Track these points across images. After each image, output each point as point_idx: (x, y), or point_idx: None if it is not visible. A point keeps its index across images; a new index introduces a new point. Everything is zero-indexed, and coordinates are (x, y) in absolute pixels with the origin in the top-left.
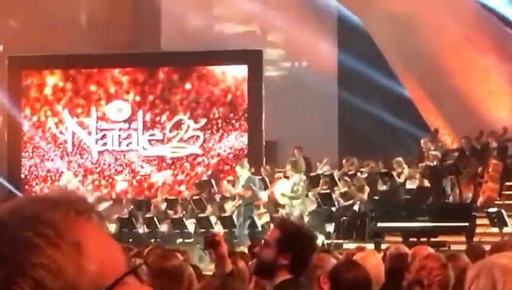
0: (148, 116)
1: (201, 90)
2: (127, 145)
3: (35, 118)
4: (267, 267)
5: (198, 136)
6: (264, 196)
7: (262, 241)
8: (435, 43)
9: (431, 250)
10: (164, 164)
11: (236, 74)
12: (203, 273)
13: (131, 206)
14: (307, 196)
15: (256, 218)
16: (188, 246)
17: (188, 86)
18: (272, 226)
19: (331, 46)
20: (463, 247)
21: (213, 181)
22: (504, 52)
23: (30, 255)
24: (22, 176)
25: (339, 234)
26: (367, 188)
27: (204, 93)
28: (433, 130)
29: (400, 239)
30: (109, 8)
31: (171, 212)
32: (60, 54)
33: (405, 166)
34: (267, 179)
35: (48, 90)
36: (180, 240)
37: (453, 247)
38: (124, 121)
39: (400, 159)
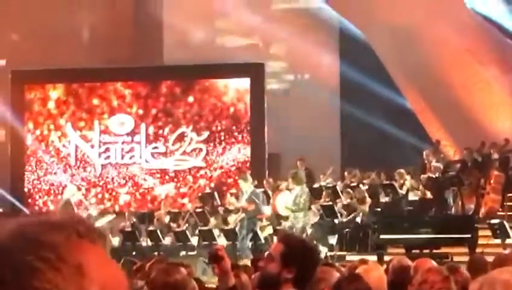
0: (151, 130)
1: (203, 103)
2: (130, 159)
3: (38, 132)
4: (272, 281)
5: (201, 149)
6: (267, 210)
7: (266, 255)
8: (436, 55)
9: (433, 263)
10: (167, 177)
11: (238, 86)
12: (206, 286)
13: (135, 219)
14: (309, 208)
15: (259, 230)
16: (191, 259)
17: (190, 99)
18: (274, 238)
19: (333, 58)
20: (465, 258)
21: (216, 194)
22: (505, 63)
23: (32, 279)
24: (25, 189)
25: (341, 246)
26: (368, 200)
27: (207, 106)
28: (434, 141)
29: (402, 251)
30: (111, 22)
31: (174, 225)
32: (62, 68)
33: (407, 177)
34: (269, 192)
35: (50, 104)
36: (183, 253)
37: (456, 258)
38: (127, 134)
39: (402, 170)
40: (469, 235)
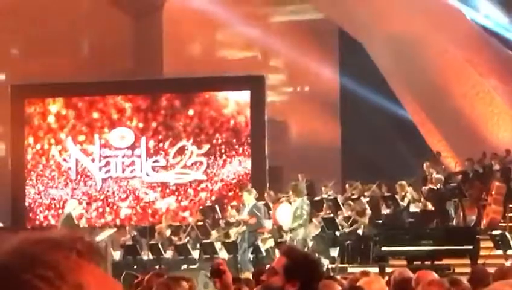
0: (151, 143)
1: (204, 116)
2: (131, 172)
3: (38, 146)
4: None
5: (201, 162)
6: (268, 224)
7: (269, 268)
8: (436, 66)
9: (434, 275)
10: (168, 190)
11: (238, 99)
12: None
13: (136, 233)
14: (310, 220)
15: (260, 243)
16: (192, 272)
17: (190, 112)
18: (276, 251)
19: (332, 70)
20: (467, 270)
21: (217, 207)
22: (506, 74)
23: None
24: (26, 203)
25: (343, 258)
26: (368, 212)
27: (207, 119)
28: (435, 153)
29: (404, 263)
30: (111, 35)
31: (175, 238)
32: (62, 82)
33: (408, 189)
34: (271, 204)
35: (51, 118)
36: (184, 266)
37: (458, 270)
38: (127, 148)
39: (403, 182)
40: (471, 247)
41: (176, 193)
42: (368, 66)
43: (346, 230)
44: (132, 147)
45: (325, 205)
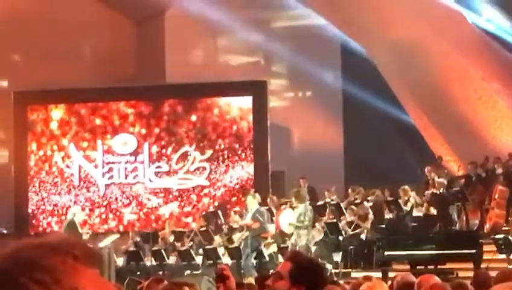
0: (154, 149)
1: (206, 122)
2: (134, 178)
3: (41, 153)
4: None
5: (204, 168)
6: (271, 228)
7: (274, 273)
8: (438, 70)
9: (437, 279)
10: (171, 196)
11: (241, 104)
12: None
13: (139, 239)
14: (313, 225)
15: (263, 248)
16: (195, 278)
17: (193, 117)
18: (279, 256)
19: (335, 75)
20: (471, 274)
21: (220, 212)
22: (508, 78)
23: None
24: (29, 210)
25: (346, 263)
26: (371, 217)
27: (210, 124)
28: (436, 158)
29: (407, 267)
30: (113, 41)
31: (178, 244)
32: (65, 88)
33: (411, 194)
34: (273, 209)
35: (53, 125)
36: (187, 272)
37: (461, 274)
38: (130, 154)
39: (406, 187)
40: (474, 251)
41: (179, 199)
42: (370, 71)
43: (349, 235)
44: (135, 153)
45: (327, 210)
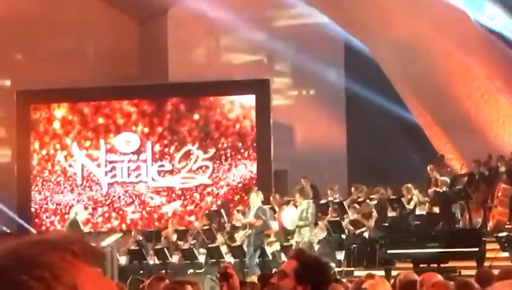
0: (156, 148)
1: (209, 121)
2: (136, 177)
3: (44, 152)
4: None
5: (207, 166)
6: (274, 225)
7: (279, 271)
8: (441, 68)
9: (439, 277)
10: (174, 195)
11: (244, 103)
12: None
13: (142, 238)
14: (316, 223)
15: (266, 246)
16: (198, 277)
17: (196, 116)
18: (282, 254)
19: (338, 74)
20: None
21: (223, 211)
22: (511, 76)
23: None
24: (32, 209)
25: (349, 261)
26: (374, 215)
27: (213, 123)
28: (438, 156)
29: (410, 265)
30: (116, 40)
31: (181, 243)
32: (67, 87)
33: (414, 192)
34: (276, 208)
35: (56, 124)
36: (190, 271)
37: (464, 272)
38: (133, 153)
39: (409, 185)
40: (477, 249)
41: (182, 198)
42: (374, 69)
43: (352, 233)
44: (138, 152)
45: (330, 208)
